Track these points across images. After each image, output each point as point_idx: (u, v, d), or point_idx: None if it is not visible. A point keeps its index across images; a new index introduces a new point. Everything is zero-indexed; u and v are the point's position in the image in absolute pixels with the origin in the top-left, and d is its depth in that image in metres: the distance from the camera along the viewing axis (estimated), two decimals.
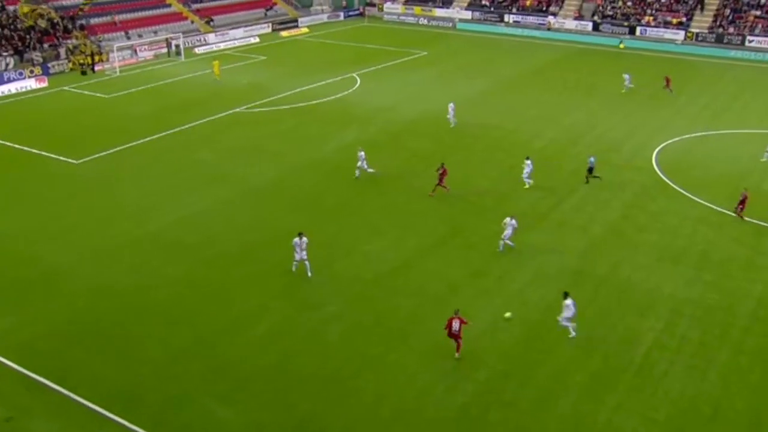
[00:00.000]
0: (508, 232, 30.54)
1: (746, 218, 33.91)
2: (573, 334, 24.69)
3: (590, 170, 38.30)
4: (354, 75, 63.65)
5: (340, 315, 26.07)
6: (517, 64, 68.74)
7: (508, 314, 25.24)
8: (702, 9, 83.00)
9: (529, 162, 37.67)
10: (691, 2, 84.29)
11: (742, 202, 34.08)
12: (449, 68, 67.37)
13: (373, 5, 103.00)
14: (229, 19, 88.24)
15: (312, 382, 22.53)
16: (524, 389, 22.28)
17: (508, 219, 30.72)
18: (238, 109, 52.21)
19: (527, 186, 37.47)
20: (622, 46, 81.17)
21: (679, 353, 24.03)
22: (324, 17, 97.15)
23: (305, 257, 28.23)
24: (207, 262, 29.78)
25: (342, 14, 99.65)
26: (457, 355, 23.75)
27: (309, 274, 28.31)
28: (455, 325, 23.45)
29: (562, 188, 37.76)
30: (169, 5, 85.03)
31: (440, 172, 36.22)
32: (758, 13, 79.81)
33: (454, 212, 34.18)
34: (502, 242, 30.78)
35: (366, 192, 36.91)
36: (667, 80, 58.28)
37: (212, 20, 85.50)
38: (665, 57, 75.13)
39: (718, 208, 35.25)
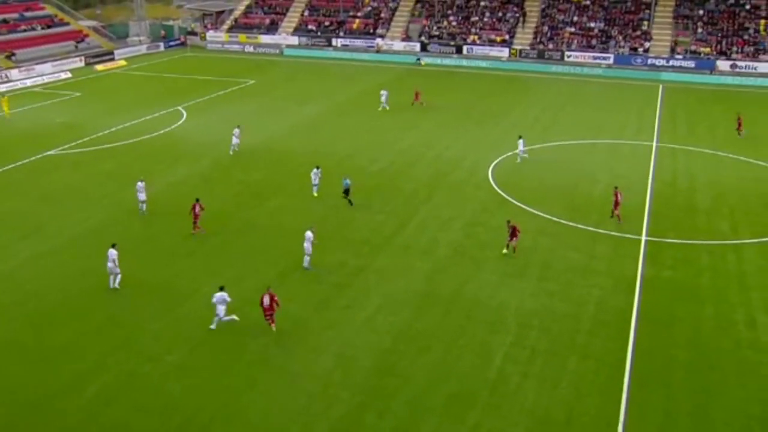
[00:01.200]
0: (306, 245, 31.58)
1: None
2: (213, 327, 27.01)
3: (346, 192, 39.01)
4: (179, 108, 62.30)
5: (183, 364, 25.13)
6: (349, 88, 70.10)
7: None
8: (524, 23, 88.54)
9: (317, 171, 40.58)
10: (512, 21, 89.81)
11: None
12: (279, 96, 67.56)
13: (195, 34, 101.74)
14: (34, 53, 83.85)
15: None
16: (382, 420, 22.40)
17: (308, 233, 31.75)
18: (51, 152, 49.47)
19: (315, 194, 40.17)
20: (423, 63, 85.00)
21: (531, 364, 25.13)
22: (143, 48, 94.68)
23: (117, 270, 29.97)
24: (26, 323, 27.76)
25: (162, 45, 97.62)
26: (273, 327, 26.82)
27: (116, 285, 30.02)
28: (266, 300, 26.48)
29: (403, 211, 38.65)
30: None
31: (193, 208, 35.34)
32: (573, 29, 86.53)
33: (294, 244, 34.01)
34: (306, 258, 31.87)
35: (203, 227, 35.99)
36: (416, 94, 62.98)
37: (14, 54, 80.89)
38: (493, 74, 79.38)
39: (554, 218, 37.44)
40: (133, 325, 27.44)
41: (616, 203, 36.86)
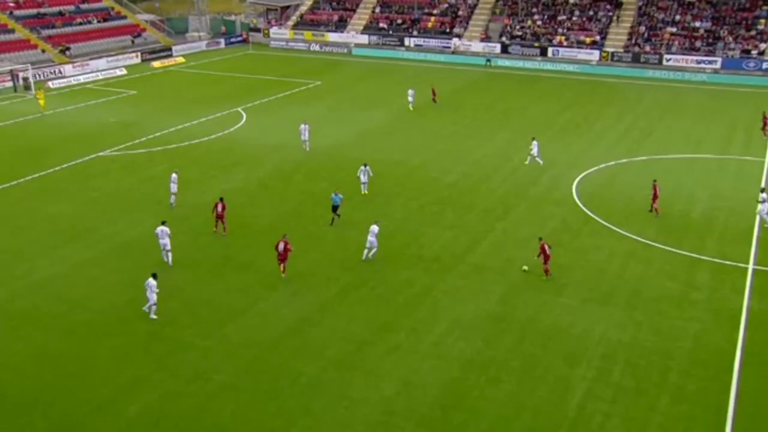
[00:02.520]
0: (371, 239, 33.85)
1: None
2: (154, 316, 29.29)
3: (335, 208, 38.58)
4: (239, 110, 63.43)
5: (233, 385, 25.38)
6: (421, 92, 69.97)
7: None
8: (618, 22, 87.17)
9: (365, 168, 42.68)
10: (604, 20, 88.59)
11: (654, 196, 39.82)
12: (346, 99, 68.13)
13: (258, 30, 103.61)
14: (89, 47, 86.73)
15: None
16: None
17: (374, 226, 34.08)
18: (103, 153, 50.95)
19: (365, 192, 42.45)
20: (492, 64, 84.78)
21: (615, 403, 24.52)
22: (202, 45, 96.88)
23: (169, 247, 33.55)
24: (67, 334, 28.52)
25: (223, 41, 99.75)
26: (283, 275, 32.33)
27: (169, 263, 33.58)
28: (281, 246, 31.99)
29: (476, 228, 38.39)
30: (13, 30, 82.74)
31: (215, 208, 37.12)
32: (674, 29, 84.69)
33: (357, 259, 34.13)
34: (366, 251, 34.24)
35: (257, 241, 36.46)
36: (433, 92, 65.48)
37: (69, 49, 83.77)
38: (581, 79, 78.40)
39: (646, 241, 36.60)
40: (180, 341, 27.88)
41: (655, 196, 39.50)
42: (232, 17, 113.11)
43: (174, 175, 40.79)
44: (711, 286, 32.38)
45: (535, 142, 48.60)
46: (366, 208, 40.78)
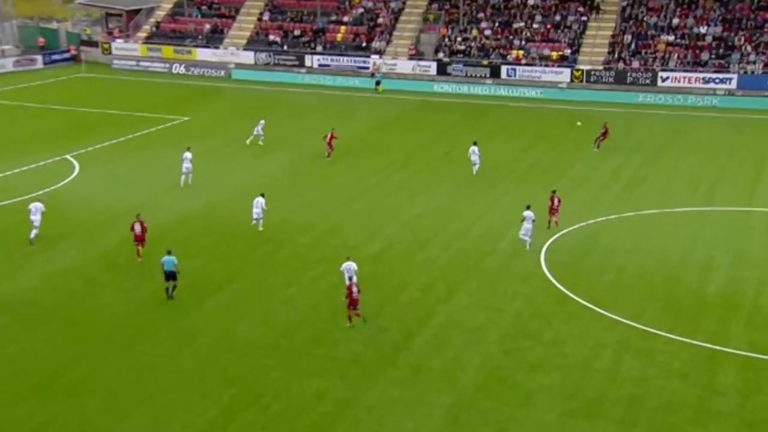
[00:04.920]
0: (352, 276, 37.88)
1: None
2: None
3: (169, 275, 39.26)
4: (67, 157, 62.78)
5: None
6: (331, 129, 70.69)
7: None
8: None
9: (261, 200, 47.40)
10: (576, 27, 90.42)
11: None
12: (226, 141, 68.12)
13: (94, 44, 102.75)
14: None
15: None
16: None
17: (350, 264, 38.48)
18: None
19: (260, 229, 47.26)
20: (380, 89, 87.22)
21: None
22: (8, 64, 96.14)
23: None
24: None
25: (40, 59, 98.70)
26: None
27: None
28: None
29: (410, 315, 38.46)
30: None
31: (134, 228, 42.91)
32: (671, 38, 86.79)
33: (246, 365, 33.87)
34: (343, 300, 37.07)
35: (105, 342, 35.83)
36: (330, 139, 64.06)
37: None
38: (547, 108, 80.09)
39: (646, 327, 37.12)
40: None
41: (552, 209, 46.85)
42: (55, 24, 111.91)
43: (38, 205, 45.93)
44: (740, 390, 32.74)
45: (474, 148, 54.97)
46: (257, 289, 40.61)
